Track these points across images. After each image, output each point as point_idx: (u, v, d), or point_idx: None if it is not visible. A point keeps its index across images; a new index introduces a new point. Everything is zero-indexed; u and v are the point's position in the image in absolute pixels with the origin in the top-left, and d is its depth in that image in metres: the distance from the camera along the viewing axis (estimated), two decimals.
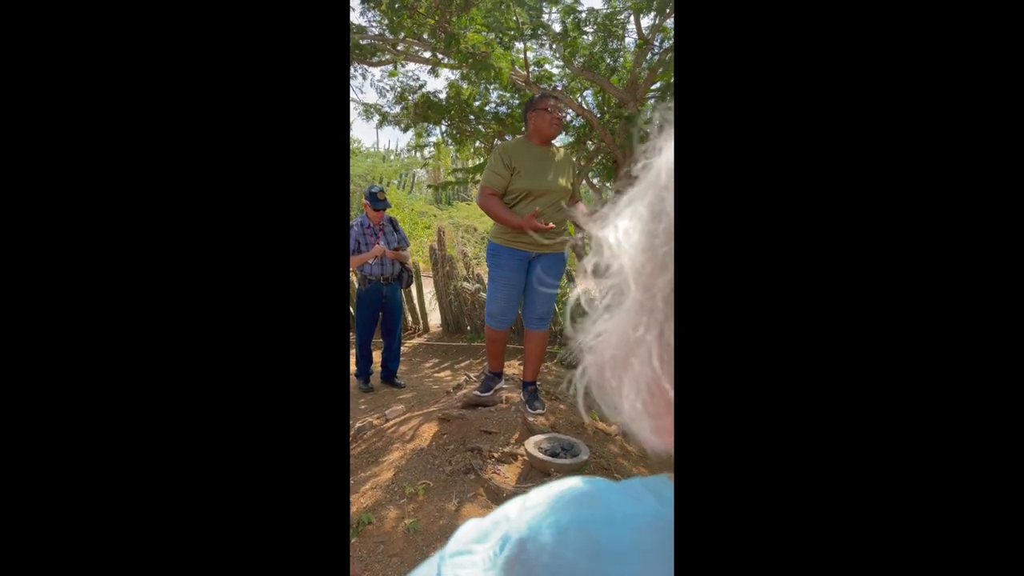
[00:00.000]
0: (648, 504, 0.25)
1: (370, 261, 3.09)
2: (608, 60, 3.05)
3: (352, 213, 9.45)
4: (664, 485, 0.25)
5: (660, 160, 0.25)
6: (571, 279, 3.85)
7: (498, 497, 1.64)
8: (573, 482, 0.28)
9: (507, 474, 1.77)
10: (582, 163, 3.58)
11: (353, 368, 3.38)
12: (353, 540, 1.53)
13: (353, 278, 4.00)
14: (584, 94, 3.40)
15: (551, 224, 1.88)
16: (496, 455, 1.85)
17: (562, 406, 2.29)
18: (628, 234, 0.25)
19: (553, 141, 2.06)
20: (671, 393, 0.23)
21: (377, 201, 3.07)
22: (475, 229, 8.75)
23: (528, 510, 0.27)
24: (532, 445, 1.79)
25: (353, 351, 3.34)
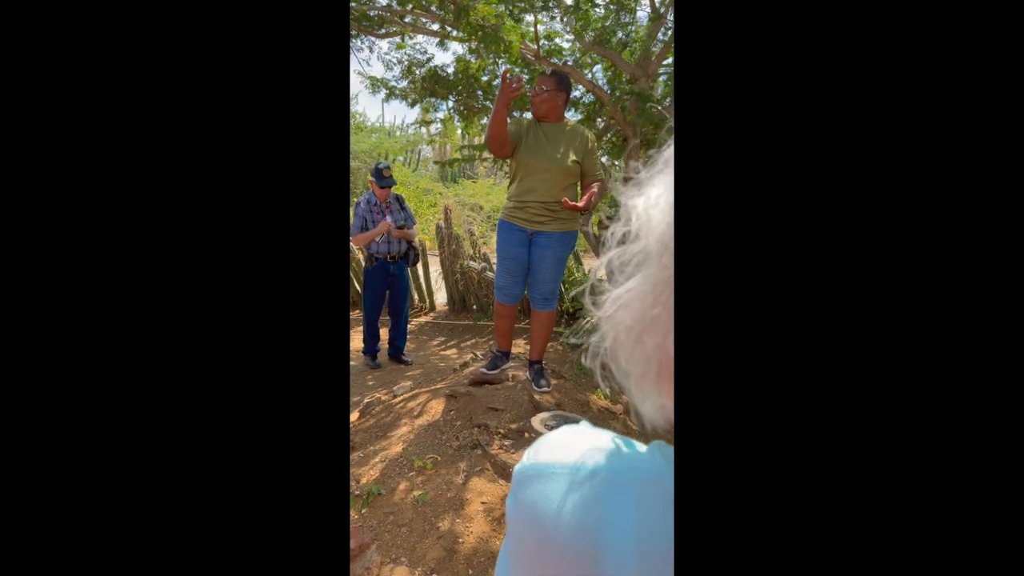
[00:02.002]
0: (656, 462, 0.26)
1: (377, 239, 3.09)
2: (620, 34, 2.98)
3: (358, 190, 9.40)
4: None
5: None
6: (578, 261, 3.84)
7: (504, 472, 1.67)
8: (596, 431, 0.30)
9: (513, 450, 1.80)
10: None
11: (361, 345, 3.41)
12: (363, 510, 1.57)
13: (360, 256, 4.01)
14: (594, 69, 3.33)
15: (516, 85, 1.74)
16: (502, 431, 1.88)
17: (567, 384, 2.32)
18: (657, 203, 0.24)
19: (565, 116, 2.05)
20: None
21: (383, 178, 3.05)
22: (481, 208, 8.70)
23: (552, 447, 0.29)
24: (538, 422, 1.82)
25: (361, 328, 3.37)
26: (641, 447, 0.28)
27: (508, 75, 1.78)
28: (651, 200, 0.25)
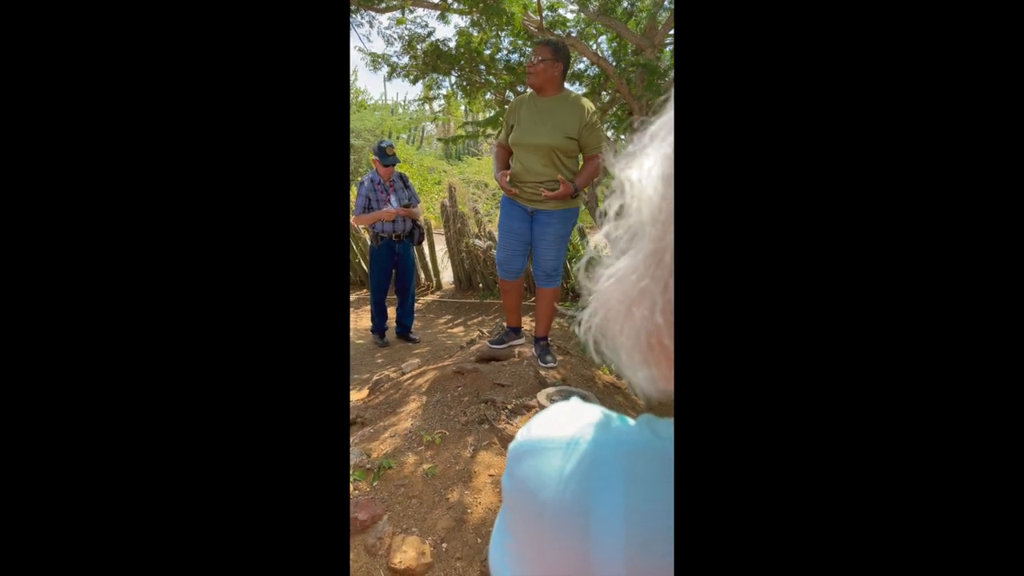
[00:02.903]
0: (643, 435, 0.26)
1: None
2: (625, 3, 2.90)
3: (362, 168, 9.35)
4: (665, 424, 0.27)
5: None
6: (583, 235, 3.82)
7: None
8: (587, 407, 0.30)
9: (520, 424, 1.83)
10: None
11: (369, 324, 3.45)
12: (375, 483, 1.62)
13: (366, 235, 4.02)
14: (599, 40, 3.25)
15: (520, 182, 1.92)
16: (509, 406, 1.91)
17: (573, 360, 2.34)
18: (651, 174, 0.24)
19: (565, 88, 2.00)
20: (671, 348, 0.23)
21: (386, 156, 3.04)
22: (486, 185, 8.64)
23: (543, 424, 0.30)
24: (544, 396, 1.85)
25: (368, 307, 3.41)
26: (630, 421, 0.28)
27: (507, 178, 1.96)
28: (644, 171, 0.24)
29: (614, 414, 0.29)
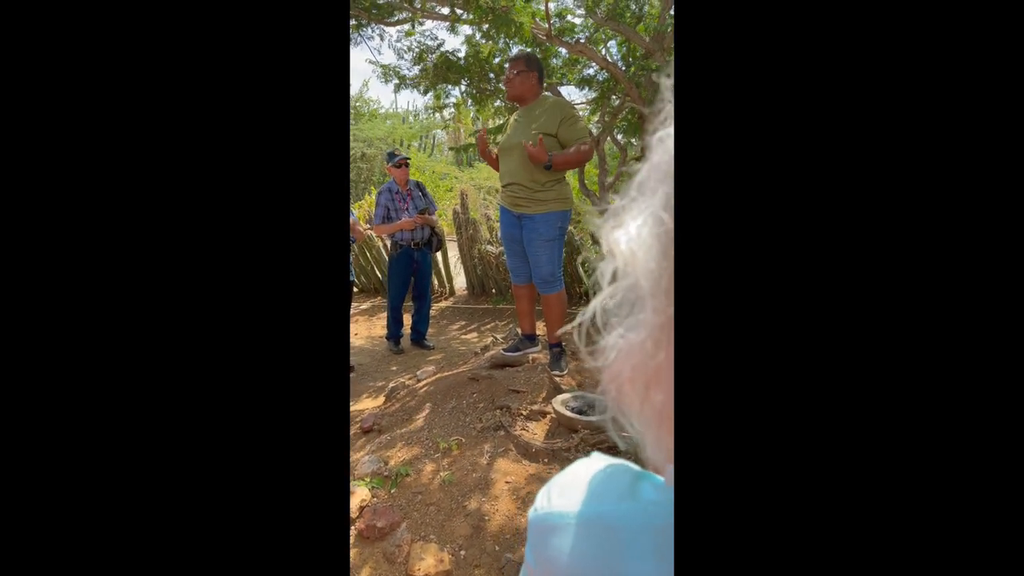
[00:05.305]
0: (671, 501, 0.24)
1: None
2: (633, 7, 2.90)
3: (375, 177, 9.43)
4: None
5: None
6: (596, 241, 3.81)
7: (528, 452, 1.71)
8: (611, 467, 0.28)
9: (536, 431, 1.84)
10: (605, 119, 3.47)
11: (383, 331, 3.49)
12: (392, 491, 1.63)
13: (379, 243, 4.07)
14: (608, 45, 3.26)
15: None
16: (525, 412, 1.91)
17: (588, 366, 2.33)
18: (640, 237, 0.22)
19: (543, 94, 2.07)
20: None
21: (392, 157, 3.16)
22: (497, 191, 8.67)
23: (565, 490, 0.28)
24: (559, 403, 1.85)
25: (384, 315, 3.46)
26: (656, 480, 0.27)
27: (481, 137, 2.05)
28: (632, 235, 0.22)
29: (640, 473, 0.27)
